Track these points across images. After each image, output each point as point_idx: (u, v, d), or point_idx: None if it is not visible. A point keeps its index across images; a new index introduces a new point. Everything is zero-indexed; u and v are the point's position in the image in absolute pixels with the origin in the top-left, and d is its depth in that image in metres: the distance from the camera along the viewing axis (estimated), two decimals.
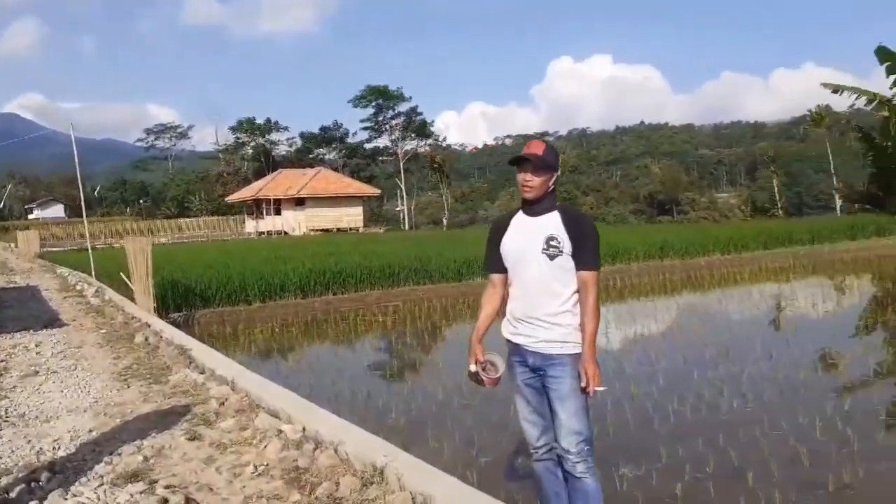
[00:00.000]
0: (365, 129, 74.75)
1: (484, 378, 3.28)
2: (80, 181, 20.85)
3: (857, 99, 33.17)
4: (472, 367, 3.31)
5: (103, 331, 10.49)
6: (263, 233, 49.09)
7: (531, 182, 3.17)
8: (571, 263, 3.13)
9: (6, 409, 6.33)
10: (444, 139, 79.38)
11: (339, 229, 48.12)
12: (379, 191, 57.82)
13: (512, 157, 3.24)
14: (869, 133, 36.13)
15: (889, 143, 34.34)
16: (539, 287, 3.15)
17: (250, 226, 52.43)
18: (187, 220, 58.39)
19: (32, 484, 4.45)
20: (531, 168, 3.17)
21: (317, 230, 47.54)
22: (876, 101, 33.04)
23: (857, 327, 10.58)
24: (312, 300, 14.08)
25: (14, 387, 7.18)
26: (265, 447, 4.92)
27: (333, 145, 78.39)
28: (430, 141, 74.88)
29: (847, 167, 49.14)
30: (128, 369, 7.80)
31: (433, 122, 76.49)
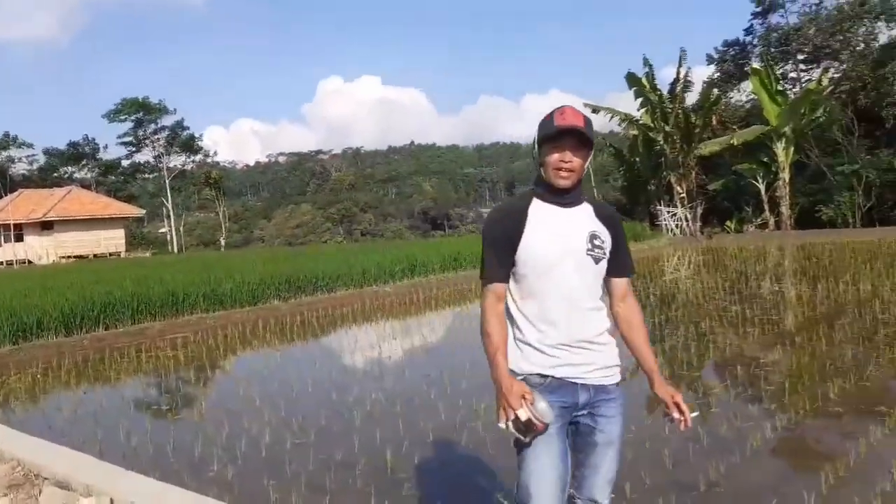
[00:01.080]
0: (123, 143, 67.98)
1: (537, 423, 2.27)
2: None
3: (610, 119, 37.26)
4: (522, 413, 2.24)
5: None
6: (1, 263, 42.16)
7: (572, 163, 2.37)
8: (604, 268, 2.51)
9: None
10: (215, 154, 74.88)
11: (96, 255, 42.93)
12: (143, 211, 52.67)
13: (551, 132, 2.37)
14: (620, 150, 40.89)
15: (636, 159, 39.06)
16: (586, 299, 2.43)
17: None
18: None
19: None
20: (573, 143, 2.37)
21: (70, 257, 41.92)
22: (627, 122, 37.39)
23: None
24: (80, 337, 12.05)
25: None
26: None
27: (84, 162, 70.10)
28: (198, 157, 70.18)
29: (603, 185, 55.47)
30: None
31: (201, 136, 71.92)
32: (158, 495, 3.98)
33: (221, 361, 10.29)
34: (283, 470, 4.97)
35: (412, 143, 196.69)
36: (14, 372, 9.86)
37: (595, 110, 35.97)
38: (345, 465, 5.00)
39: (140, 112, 64.19)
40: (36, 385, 9.08)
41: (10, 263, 41.13)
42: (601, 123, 41.50)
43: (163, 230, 69.92)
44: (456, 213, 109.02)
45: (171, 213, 63.87)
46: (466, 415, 6.04)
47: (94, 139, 69.81)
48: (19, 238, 42.90)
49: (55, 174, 68.71)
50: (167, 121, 66.20)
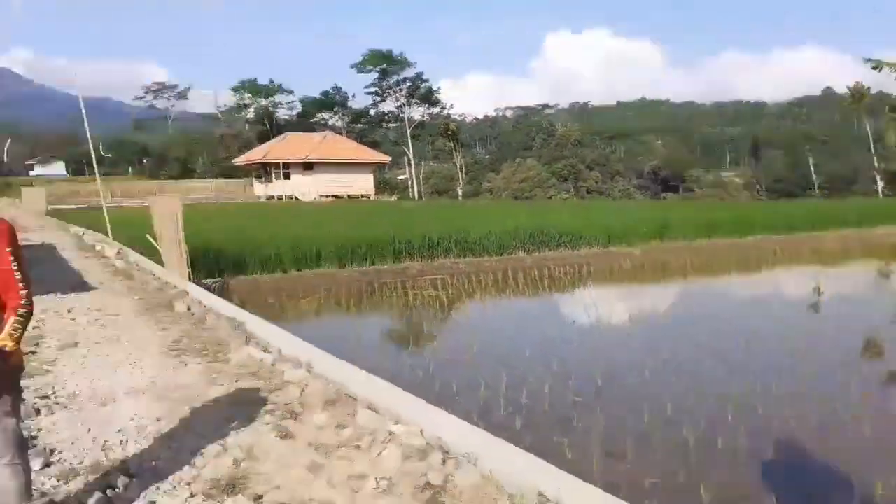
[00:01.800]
0: (369, 93, 73.09)
1: None
2: (90, 139, 19.93)
3: None
4: None
5: (137, 297, 9.66)
6: (273, 197, 47.97)
7: None
8: None
9: (53, 388, 5.52)
10: (451, 106, 77.33)
11: (349, 196, 47.08)
12: (389, 158, 56.38)
13: None
14: None
15: None
16: None
17: (259, 189, 51.16)
18: (194, 181, 57.23)
19: (108, 491, 3.66)
20: None
21: (328, 196, 46.49)
22: None
23: None
24: (351, 270, 13.24)
25: (55, 359, 6.36)
26: (380, 454, 4.12)
27: (336, 109, 76.63)
28: (436, 109, 73.27)
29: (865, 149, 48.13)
30: (178, 343, 6.99)
31: (439, 88, 74.71)
32: (470, 437, 4.11)
33: (481, 305, 10.64)
34: (572, 427, 4.94)
35: (642, 98, 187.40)
36: (302, 295, 11.02)
37: (877, 67, 31.11)
38: (636, 434, 4.81)
39: (384, 64, 68.25)
40: (322, 309, 10.09)
41: (280, 198, 46.75)
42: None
43: (402, 177, 74.53)
44: (691, 174, 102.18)
45: (412, 161, 67.68)
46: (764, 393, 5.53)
47: (342, 88, 75.85)
48: (287, 176, 48.41)
49: (312, 119, 76.00)
50: (408, 73, 69.77)
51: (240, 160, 54.83)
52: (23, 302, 2.74)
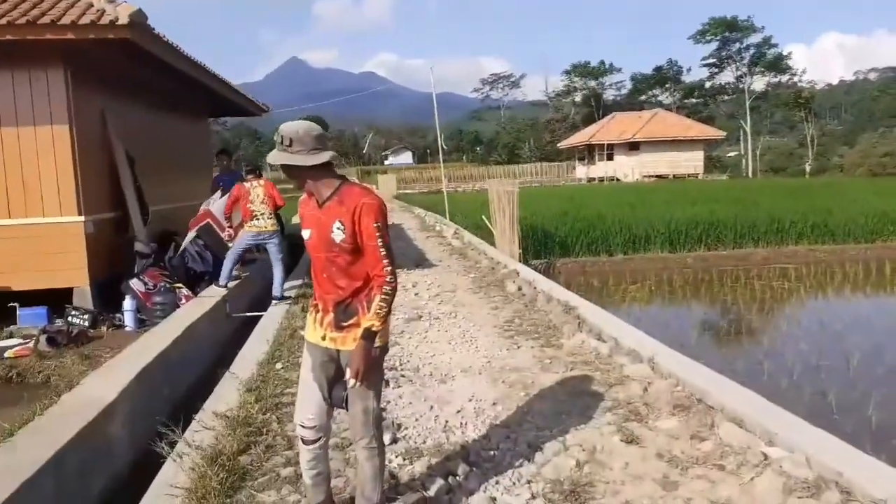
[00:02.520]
0: (705, 65, 68.22)
1: None
2: (438, 131, 21.79)
3: None
4: None
5: (472, 275, 9.99)
6: (594, 179, 47.79)
7: None
8: None
9: (400, 360, 5.77)
10: (803, 72, 68.18)
11: (675, 176, 44.68)
12: (724, 133, 51.84)
13: None
14: None
15: None
16: None
17: (581, 171, 51.44)
18: (519, 166, 59.83)
19: (450, 479, 3.53)
20: None
21: (651, 176, 44.71)
22: None
23: None
24: (683, 255, 12.18)
25: (402, 332, 6.71)
26: (752, 480, 3.35)
27: (667, 86, 73.31)
28: (783, 77, 65.43)
29: None
30: (510, 323, 6.91)
31: (790, 54, 66.41)
32: (877, 477, 3.11)
33: (851, 303, 8.83)
34: None
35: None
36: (630, 280, 10.35)
37: None
38: None
39: (726, 31, 62.97)
40: (651, 296, 9.32)
41: (601, 180, 46.34)
42: None
43: (731, 154, 68.36)
44: None
45: (749, 136, 61.72)
46: None
47: (677, 62, 72.17)
48: (610, 157, 47.74)
49: (641, 98, 73.84)
50: (754, 39, 63.39)
51: (564, 143, 55.62)
52: (388, 279, 2.69)
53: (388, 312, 2.73)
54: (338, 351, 2.81)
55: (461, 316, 7.35)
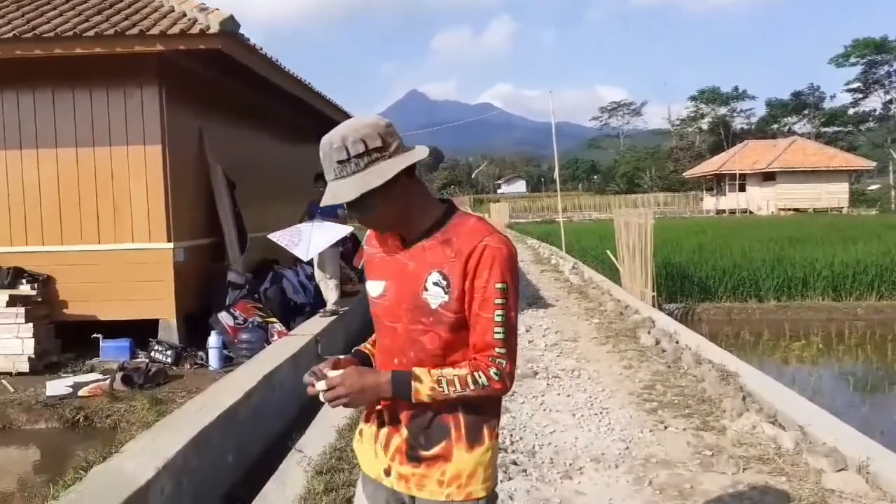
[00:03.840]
0: (849, 90, 62.62)
1: None
2: (555, 159, 20.97)
3: None
4: None
5: (595, 320, 8.63)
6: (724, 211, 44.44)
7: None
8: None
9: (511, 434, 4.57)
10: None
11: (815, 209, 40.69)
12: (873, 163, 46.81)
13: None
14: None
15: None
16: None
17: (709, 203, 48.09)
18: (640, 196, 57.07)
19: None
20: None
21: (788, 209, 40.92)
22: None
23: None
24: (851, 304, 10.22)
25: (513, 392, 5.50)
26: None
27: (805, 112, 67.98)
28: None
29: None
30: (650, 391, 5.54)
31: None
32: None
33: None
34: None
35: None
36: (790, 334, 8.60)
37: None
38: None
39: (872, 53, 57.59)
40: (823, 357, 7.59)
41: (732, 212, 43.03)
42: None
43: (872, 187, 61.99)
44: None
45: None
46: None
47: (818, 87, 66.97)
48: (742, 188, 44.30)
49: (773, 125, 68.99)
50: None
51: (691, 172, 52.50)
52: (495, 378, 1.55)
53: (452, 398, 1.56)
54: (412, 498, 1.69)
55: (586, 375, 6.06)
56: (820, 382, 6.82)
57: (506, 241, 1.55)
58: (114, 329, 7.29)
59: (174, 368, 6.91)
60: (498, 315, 1.52)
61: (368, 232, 1.76)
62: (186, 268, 7.60)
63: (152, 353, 7.04)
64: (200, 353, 7.11)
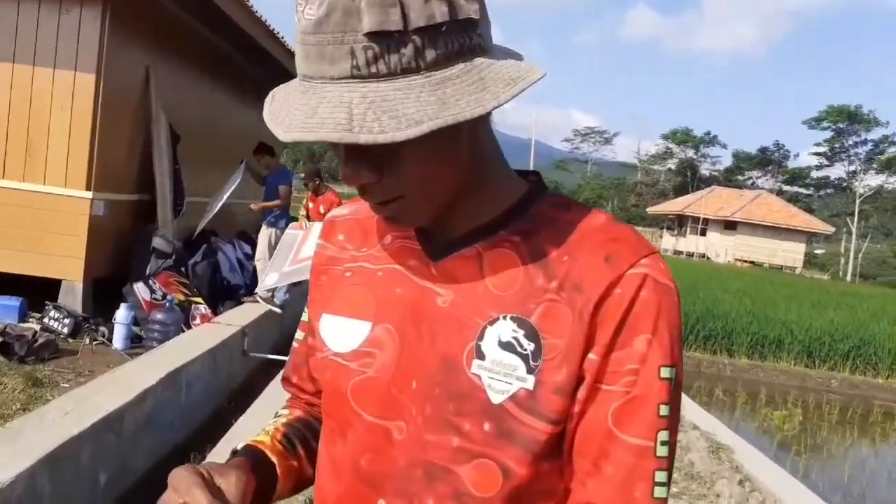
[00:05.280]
0: (815, 154, 64.15)
1: None
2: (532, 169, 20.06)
3: None
4: None
5: None
6: (681, 252, 44.66)
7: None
8: None
9: None
10: None
11: (771, 265, 41.12)
12: (832, 229, 47.85)
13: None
14: None
15: None
16: None
17: (668, 242, 48.33)
18: None
19: None
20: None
21: (745, 261, 41.29)
22: None
23: None
24: (825, 374, 9.63)
25: None
26: None
27: (769, 168, 69.49)
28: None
29: None
30: None
31: None
32: None
33: None
34: None
35: None
36: (766, 399, 7.92)
37: None
38: None
39: (845, 122, 59.01)
40: (806, 435, 6.89)
41: (690, 254, 43.23)
42: None
43: (818, 251, 63.57)
44: None
45: (854, 237, 57.23)
46: None
47: (783, 145, 68.46)
48: (703, 232, 44.58)
49: (739, 176, 70.24)
50: (875, 134, 59.16)
51: (655, 209, 52.86)
52: None
53: None
54: None
55: None
56: (810, 464, 6.13)
57: (669, 273, 0.72)
58: (5, 283, 6.11)
59: (69, 342, 5.78)
60: (662, 441, 0.68)
61: (331, 214, 0.93)
62: (105, 224, 6.45)
63: (46, 320, 5.89)
64: (104, 329, 5.97)
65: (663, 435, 0.68)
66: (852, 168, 61.68)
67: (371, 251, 0.83)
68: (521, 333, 0.69)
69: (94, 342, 5.85)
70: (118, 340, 5.84)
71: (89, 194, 6.20)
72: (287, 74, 10.28)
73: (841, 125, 59.97)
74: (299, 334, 0.96)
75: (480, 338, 0.70)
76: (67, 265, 6.21)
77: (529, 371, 0.68)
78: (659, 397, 0.67)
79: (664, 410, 0.68)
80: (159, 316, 5.98)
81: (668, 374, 0.68)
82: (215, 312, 6.84)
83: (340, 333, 0.80)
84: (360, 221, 0.86)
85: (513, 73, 0.64)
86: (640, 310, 0.67)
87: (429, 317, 0.74)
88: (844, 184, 63.58)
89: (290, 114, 0.64)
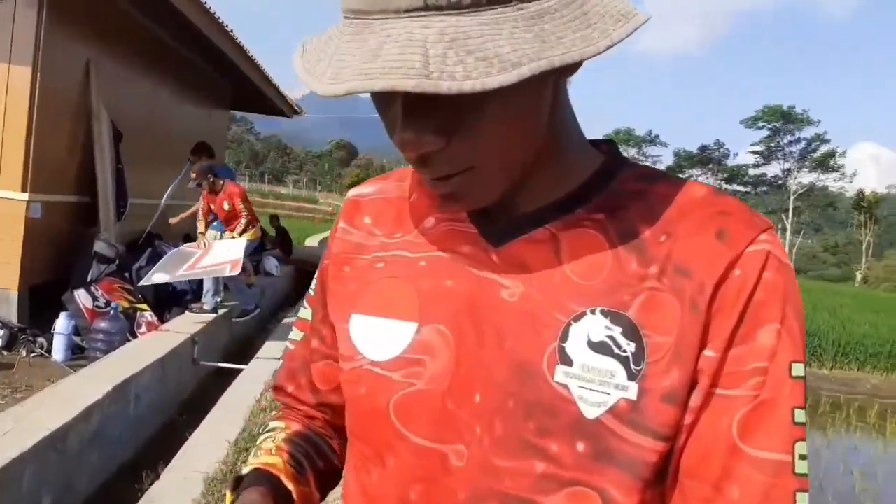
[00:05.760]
0: (753, 152, 66.30)
1: None
2: None
3: None
4: None
5: None
6: None
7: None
8: None
9: None
10: (854, 174, 65.56)
11: None
12: (770, 224, 49.49)
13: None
14: None
15: None
16: None
17: None
18: None
19: None
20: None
21: None
22: None
23: None
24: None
25: None
26: None
27: (709, 167, 71.52)
28: (831, 176, 63.12)
29: None
30: None
31: (844, 153, 64.18)
32: None
33: None
34: None
35: None
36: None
37: None
38: None
39: (780, 121, 61.16)
40: None
41: None
42: None
43: None
44: None
45: (789, 233, 59.47)
46: None
47: (724, 144, 70.47)
48: None
49: (680, 175, 71.94)
50: (807, 132, 61.48)
51: None
52: None
53: None
54: None
55: None
56: None
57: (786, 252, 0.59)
58: None
59: (4, 354, 5.41)
60: (800, 455, 0.56)
61: (352, 192, 0.78)
62: (43, 227, 6.08)
63: None
64: (42, 340, 5.61)
65: (801, 447, 0.55)
66: (787, 166, 64.00)
67: (408, 237, 0.68)
68: (617, 331, 0.56)
69: (32, 354, 5.47)
70: (58, 352, 5.50)
71: (25, 195, 5.83)
72: (239, 77, 9.96)
73: (776, 124, 62.10)
74: (296, 334, 0.82)
75: (564, 338, 0.57)
76: (1, 272, 5.83)
77: (631, 377, 0.56)
78: (793, 400, 0.55)
79: (800, 416, 0.55)
80: (103, 325, 5.64)
81: (801, 371, 0.56)
82: (162, 320, 6.54)
83: (377, 338, 0.66)
84: (390, 202, 0.72)
85: (620, 7, 0.52)
86: (764, 295, 0.55)
87: (493, 314, 0.60)
88: (780, 181, 65.91)
89: (338, 60, 0.50)
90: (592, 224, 0.60)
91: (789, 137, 62.77)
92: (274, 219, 12.51)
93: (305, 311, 0.80)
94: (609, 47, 0.49)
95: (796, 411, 0.55)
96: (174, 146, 9.15)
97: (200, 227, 6.82)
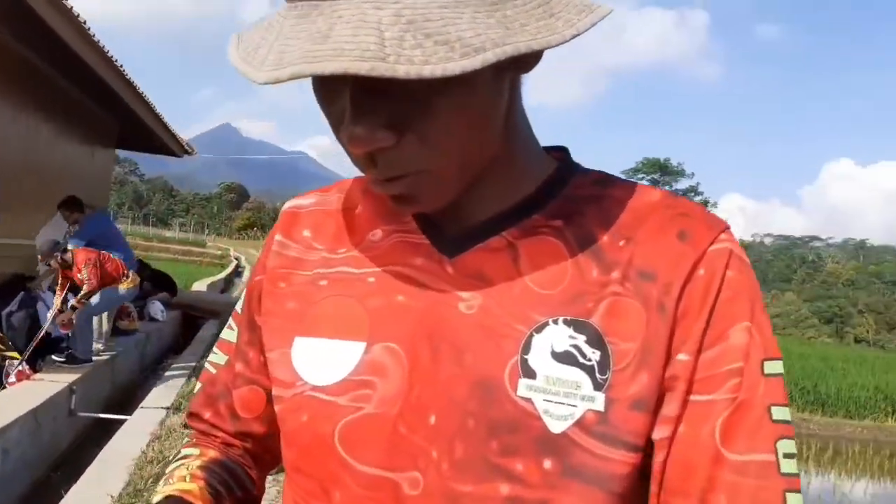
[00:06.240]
0: None
1: None
2: None
3: None
4: None
5: None
6: None
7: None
8: None
9: None
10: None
11: None
12: None
13: None
14: None
15: None
16: None
17: None
18: None
19: None
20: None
21: None
22: None
23: None
24: None
25: None
26: None
27: None
28: None
29: None
30: None
31: (716, 204, 69.65)
32: None
33: None
34: None
35: None
36: None
37: None
38: None
39: (657, 173, 65.64)
40: None
41: None
42: None
43: None
44: None
45: None
46: None
47: None
48: None
49: None
50: (681, 185, 66.24)
51: None
52: None
53: None
54: None
55: None
56: None
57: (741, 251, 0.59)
58: None
59: None
60: (785, 454, 0.54)
61: (290, 203, 0.72)
62: None
63: None
64: None
65: (785, 445, 0.54)
66: None
67: (353, 252, 0.64)
68: (581, 339, 0.54)
69: None
70: None
71: None
72: (126, 112, 9.54)
73: (654, 176, 66.49)
74: (218, 357, 0.75)
75: (526, 350, 0.55)
76: None
77: (597, 387, 0.53)
78: (771, 397, 0.54)
79: (780, 413, 0.54)
80: None
81: (777, 368, 0.55)
82: (34, 369, 6.04)
83: (321, 361, 0.60)
84: (331, 214, 0.68)
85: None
86: (731, 293, 0.55)
87: (449, 329, 0.57)
88: None
89: (281, 45, 0.46)
90: (550, 231, 0.59)
91: (666, 188, 67.30)
92: (145, 267, 10.55)
93: (230, 333, 0.75)
94: (574, 36, 0.48)
95: (773, 409, 0.54)
96: (54, 186, 8.60)
97: (56, 301, 6.23)
